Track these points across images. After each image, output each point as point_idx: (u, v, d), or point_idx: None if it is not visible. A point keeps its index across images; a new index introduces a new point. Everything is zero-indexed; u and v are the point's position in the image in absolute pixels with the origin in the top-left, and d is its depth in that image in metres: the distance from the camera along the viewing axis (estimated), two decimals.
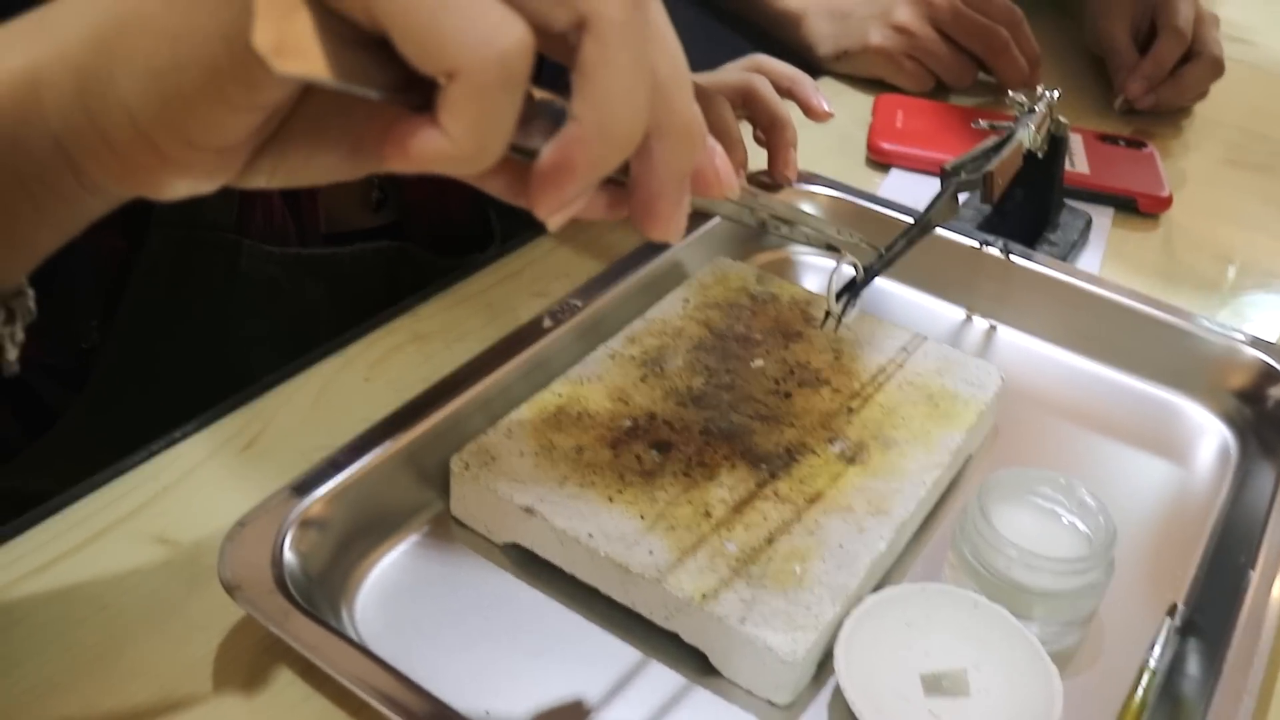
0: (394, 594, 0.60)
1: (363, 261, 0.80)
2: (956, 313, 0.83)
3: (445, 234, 0.86)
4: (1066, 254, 0.88)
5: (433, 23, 0.31)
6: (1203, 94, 1.17)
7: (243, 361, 0.75)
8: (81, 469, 0.62)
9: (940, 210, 0.72)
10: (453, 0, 0.31)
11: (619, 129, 0.36)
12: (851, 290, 0.63)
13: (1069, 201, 0.93)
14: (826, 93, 0.91)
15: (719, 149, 0.42)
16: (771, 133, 0.87)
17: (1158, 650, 0.58)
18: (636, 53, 0.35)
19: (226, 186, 0.38)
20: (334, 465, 0.61)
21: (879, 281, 0.70)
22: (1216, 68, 1.14)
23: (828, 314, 0.63)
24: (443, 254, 0.85)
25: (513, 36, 0.32)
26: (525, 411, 0.64)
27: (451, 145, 0.33)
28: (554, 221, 0.38)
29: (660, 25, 0.37)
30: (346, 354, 0.74)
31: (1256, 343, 0.76)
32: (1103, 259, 0.91)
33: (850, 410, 0.66)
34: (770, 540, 0.57)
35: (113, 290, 0.72)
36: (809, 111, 0.89)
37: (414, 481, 0.64)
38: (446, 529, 0.63)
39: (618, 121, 0.35)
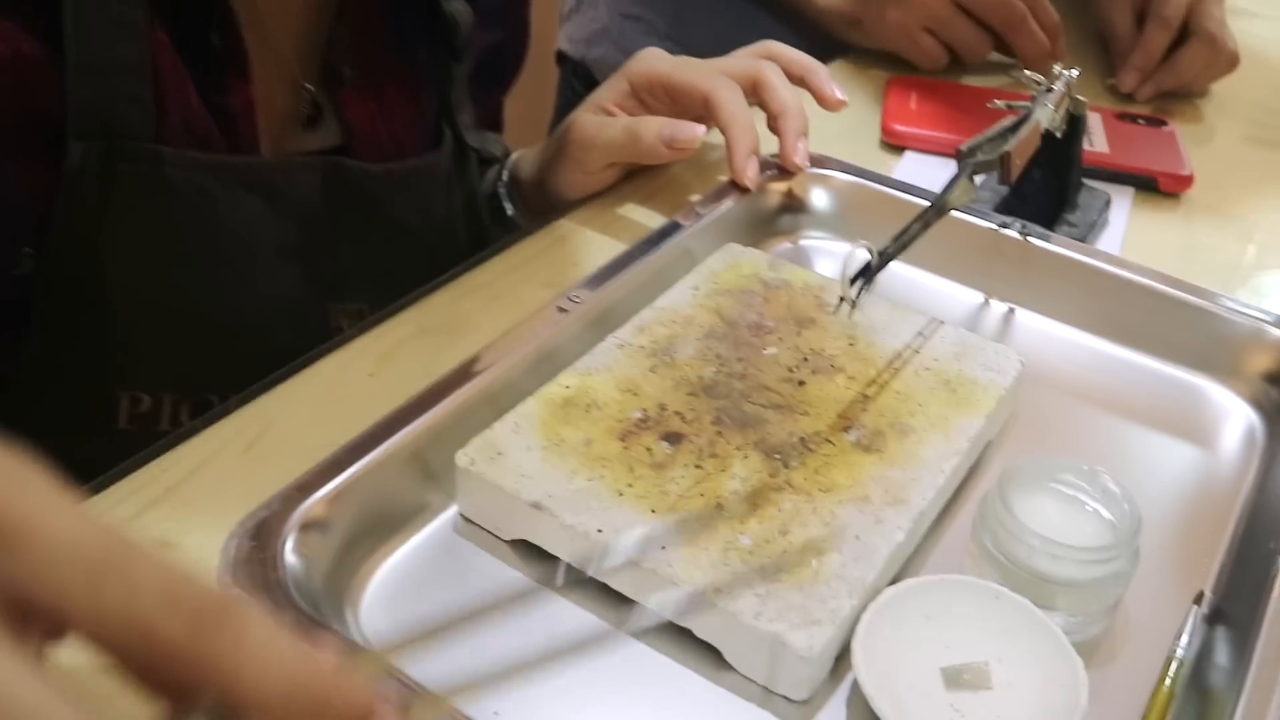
0: (400, 594, 0.58)
1: (296, 172, 0.77)
2: (974, 297, 0.82)
3: (393, 155, 0.84)
4: (1086, 235, 0.86)
5: None
6: (1211, 75, 1.15)
7: (189, 278, 0.74)
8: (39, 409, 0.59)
9: (956, 192, 0.71)
10: None
11: None
12: (866, 274, 0.62)
13: (1088, 182, 0.91)
14: (839, 77, 0.89)
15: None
16: (781, 120, 0.85)
17: (1185, 640, 0.56)
18: None
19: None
20: (336, 464, 0.59)
21: (894, 266, 0.68)
22: (1214, 47, 1.12)
23: (842, 299, 0.61)
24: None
25: None
26: (532, 405, 0.63)
27: None
28: None
29: None
30: (350, 349, 0.72)
31: (1278, 320, 0.74)
32: (1123, 240, 0.90)
33: (866, 398, 0.64)
34: (785, 532, 0.56)
35: (44, 216, 0.70)
36: (822, 100, 0.88)
37: (419, 479, 0.62)
38: (453, 527, 0.62)
39: None
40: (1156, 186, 0.96)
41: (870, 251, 0.61)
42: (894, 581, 0.56)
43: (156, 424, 0.75)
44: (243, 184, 0.73)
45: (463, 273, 0.79)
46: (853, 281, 0.62)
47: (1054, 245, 0.79)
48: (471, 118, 0.89)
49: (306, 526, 0.57)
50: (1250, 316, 0.74)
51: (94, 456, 0.61)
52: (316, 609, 0.54)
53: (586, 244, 0.83)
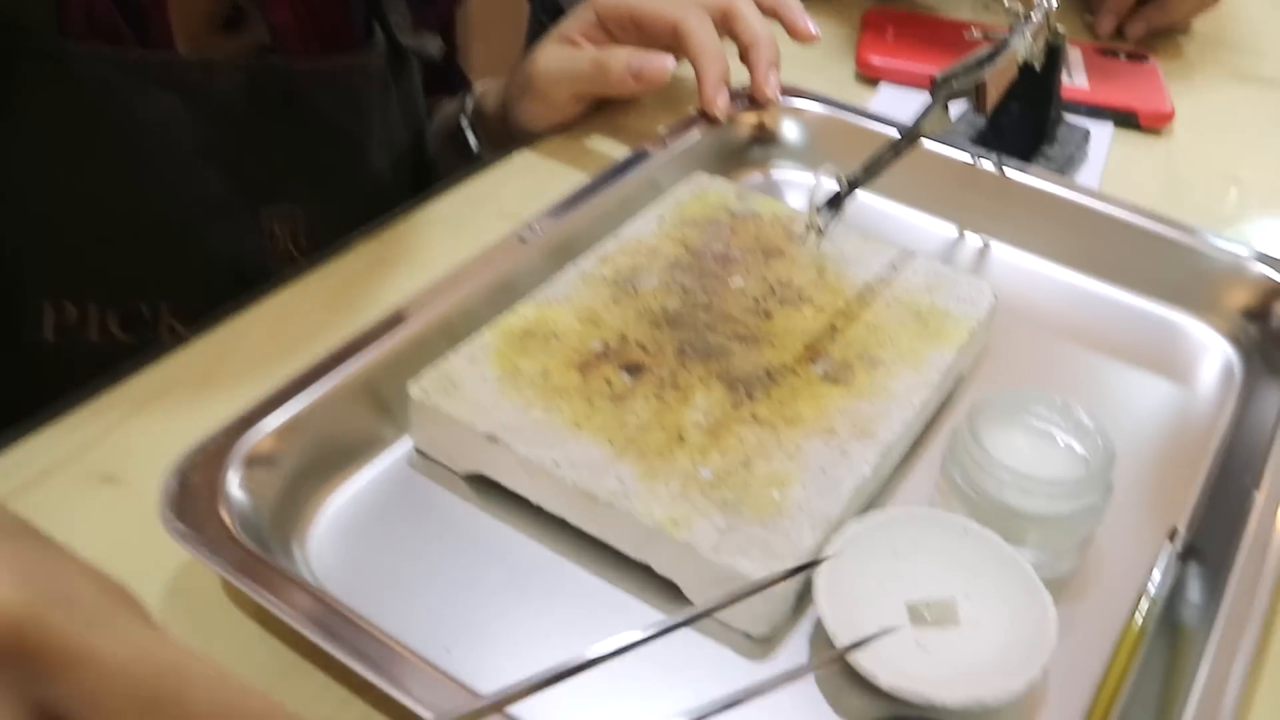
0: (351, 530, 0.56)
1: (217, 70, 0.74)
2: (948, 230, 0.80)
3: (320, 55, 0.80)
4: (1064, 169, 0.84)
5: None
6: (1197, 8, 1.12)
7: (106, 179, 0.71)
8: None
9: (930, 121, 0.68)
10: None
11: None
12: (834, 203, 0.60)
13: (1067, 116, 0.89)
14: (812, 9, 0.87)
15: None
16: (752, 51, 0.83)
17: (1157, 576, 0.55)
18: None
19: None
20: (283, 395, 0.57)
21: (867, 198, 0.66)
22: None
23: (809, 227, 0.59)
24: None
25: None
26: (489, 335, 0.61)
27: None
28: None
29: None
30: (306, 281, 0.70)
31: (1263, 258, 0.72)
32: (1102, 175, 0.87)
33: (834, 329, 0.62)
34: (747, 465, 0.54)
35: None
36: (793, 32, 0.85)
37: (372, 411, 0.60)
38: (408, 461, 0.60)
39: None
40: (1137, 122, 0.94)
41: (839, 179, 0.59)
42: (860, 516, 0.55)
43: (85, 335, 0.72)
44: (157, 81, 0.70)
45: (422, 204, 0.77)
46: (820, 210, 0.59)
47: (1030, 178, 0.77)
48: (406, 19, 0.85)
49: (252, 460, 0.55)
50: (1230, 252, 0.72)
51: (18, 370, 0.59)
52: (263, 545, 0.52)
53: (550, 175, 0.81)
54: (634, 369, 0.59)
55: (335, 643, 0.47)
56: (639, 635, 0.42)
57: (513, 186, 0.80)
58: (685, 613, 0.45)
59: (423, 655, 0.48)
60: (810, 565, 0.50)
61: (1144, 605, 0.54)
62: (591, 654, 0.41)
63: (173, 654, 0.31)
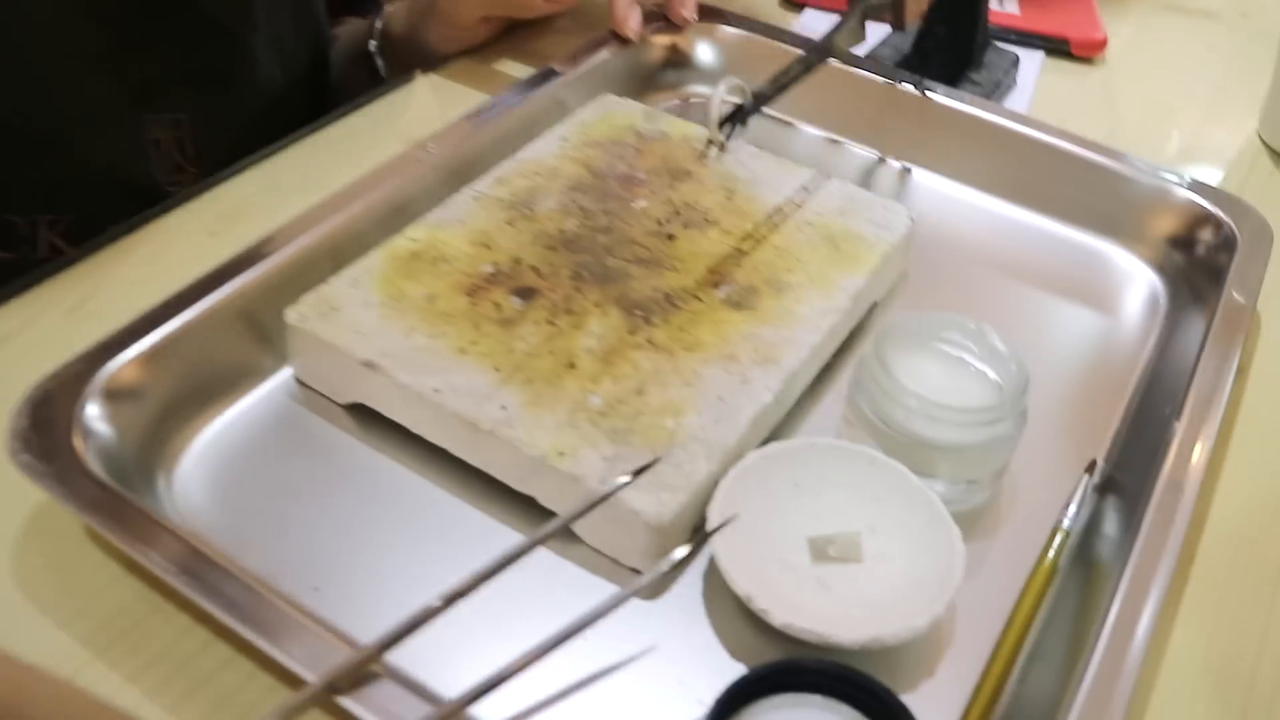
0: (225, 464, 0.53)
1: None
2: (868, 155, 0.76)
3: None
4: (990, 95, 0.81)
5: None
6: None
7: None
8: None
9: (844, 36, 0.65)
10: None
11: None
12: (738, 117, 0.56)
13: (996, 43, 0.86)
14: None
15: None
16: None
17: (1072, 510, 0.52)
18: None
19: None
20: (150, 322, 0.54)
21: (784, 123, 0.63)
22: None
23: (710, 142, 0.56)
24: None
25: None
26: (375, 259, 0.57)
27: None
28: None
29: None
30: (190, 207, 0.66)
31: (1193, 185, 0.69)
32: (1031, 103, 0.84)
33: (740, 253, 0.59)
34: (640, 392, 0.51)
35: None
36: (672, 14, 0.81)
37: (250, 339, 0.57)
38: (287, 392, 0.56)
39: None
40: (1068, 50, 0.91)
41: (743, 92, 0.56)
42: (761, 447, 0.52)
43: None
44: None
45: (319, 127, 0.73)
46: (723, 124, 0.56)
47: (953, 101, 0.74)
48: None
49: (115, 390, 0.52)
50: (1159, 178, 0.70)
51: None
52: (125, 481, 0.49)
53: (455, 98, 0.77)
54: (526, 293, 0.55)
55: (196, 586, 0.44)
56: (487, 567, 0.39)
57: (415, 110, 0.76)
58: (540, 532, 0.42)
59: (289, 597, 0.45)
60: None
61: (1057, 539, 0.51)
62: (446, 593, 0.38)
63: (13, 672, 0.30)
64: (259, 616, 0.44)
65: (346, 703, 0.41)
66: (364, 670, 0.42)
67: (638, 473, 0.45)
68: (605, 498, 0.45)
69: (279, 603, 0.44)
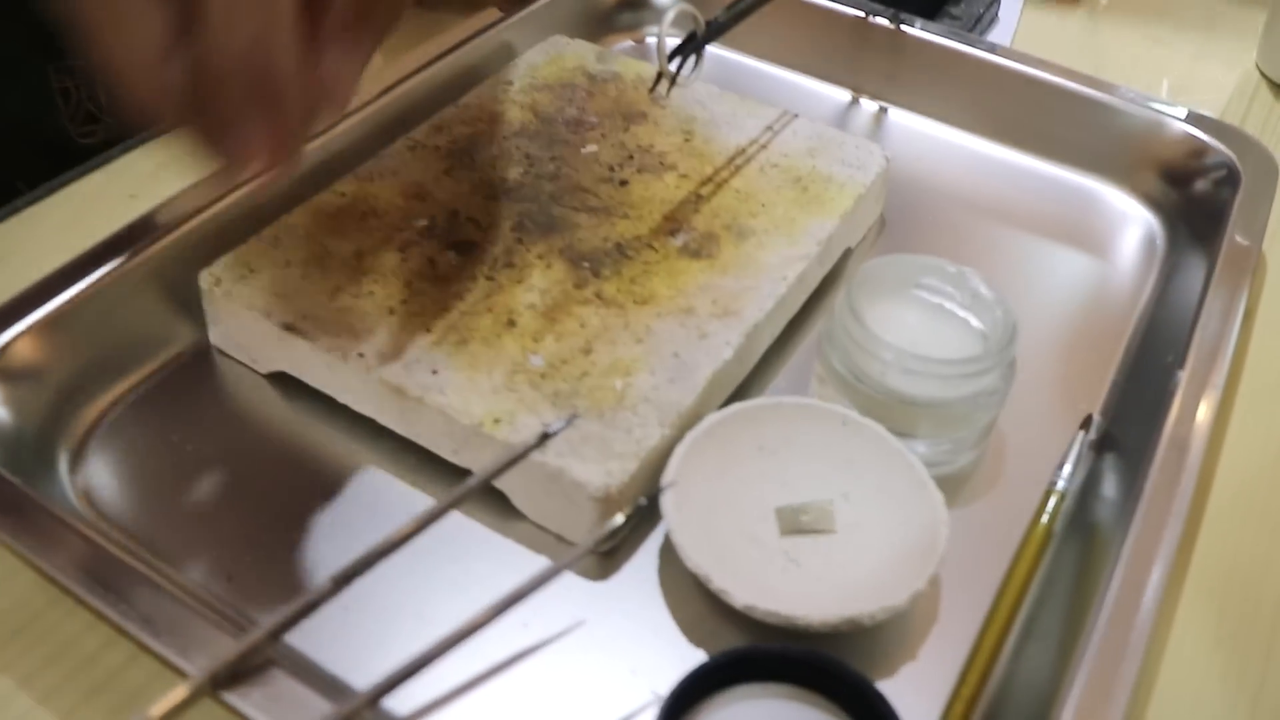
0: (134, 444, 0.48)
1: None
2: (841, 95, 0.71)
3: None
4: (971, 28, 0.76)
5: None
6: None
7: None
8: None
9: None
10: None
11: None
12: (690, 47, 0.51)
13: None
14: None
15: None
16: None
17: (1068, 470, 0.47)
18: None
19: None
20: (46, 289, 0.49)
21: (750, 61, 0.58)
22: None
23: (660, 75, 0.50)
24: None
25: None
26: (298, 215, 0.52)
27: None
28: None
29: None
30: (111, 170, 0.62)
31: (1189, 116, 0.64)
32: (1013, 38, 0.79)
33: (699, 198, 0.54)
34: (587, 351, 0.46)
35: None
36: None
37: (164, 307, 0.52)
38: (204, 361, 0.51)
39: None
40: None
41: (696, 20, 0.51)
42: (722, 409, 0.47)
43: None
44: None
45: None
46: (673, 57, 0.51)
47: (930, 34, 0.69)
48: None
49: (7, 368, 0.47)
50: (1152, 109, 0.65)
51: None
52: (20, 468, 0.44)
53: (393, 43, 0.71)
54: (463, 247, 0.50)
55: (92, 585, 0.40)
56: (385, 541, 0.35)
57: None
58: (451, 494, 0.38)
59: (197, 588, 0.41)
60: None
61: (1051, 502, 0.46)
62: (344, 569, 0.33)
63: None
64: (160, 613, 0.39)
65: (231, 699, 0.36)
66: (253, 662, 0.37)
67: (545, 437, 0.40)
68: (521, 457, 0.40)
69: (184, 596, 0.40)
